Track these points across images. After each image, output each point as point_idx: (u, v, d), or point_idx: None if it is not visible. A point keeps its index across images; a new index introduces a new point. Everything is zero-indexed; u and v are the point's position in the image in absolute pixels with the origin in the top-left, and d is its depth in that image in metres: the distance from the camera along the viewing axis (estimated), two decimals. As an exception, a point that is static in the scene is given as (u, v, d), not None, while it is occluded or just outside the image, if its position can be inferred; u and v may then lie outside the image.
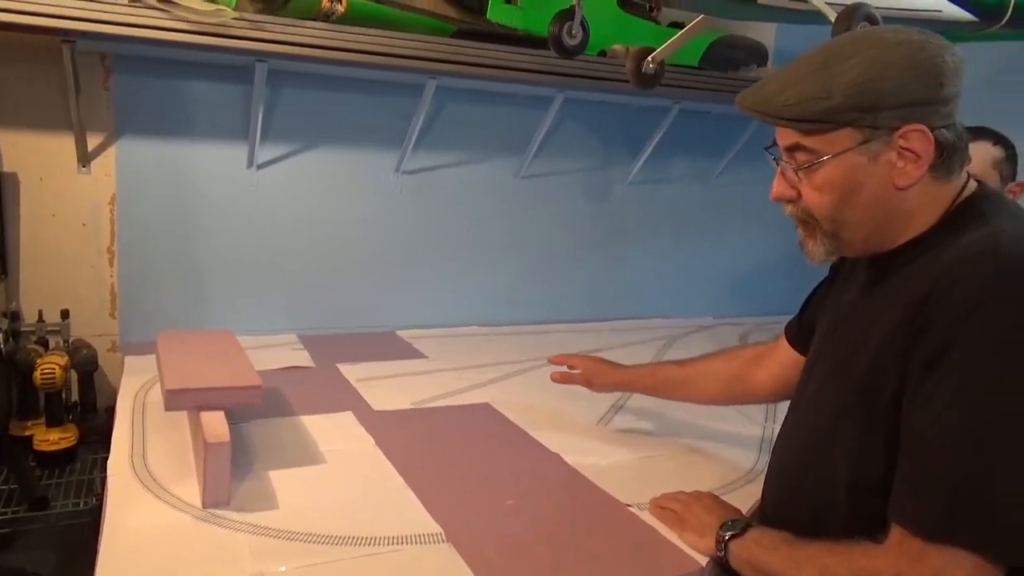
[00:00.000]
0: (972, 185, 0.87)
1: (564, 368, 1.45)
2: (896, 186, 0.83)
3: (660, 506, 1.13)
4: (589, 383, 1.43)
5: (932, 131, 0.81)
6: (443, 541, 1.02)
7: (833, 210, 0.86)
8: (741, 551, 0.94)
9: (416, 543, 1.01)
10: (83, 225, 1.86)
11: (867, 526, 0.82)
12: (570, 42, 1.23)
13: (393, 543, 1.01)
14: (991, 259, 0.75)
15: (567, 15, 1.22)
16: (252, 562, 0.94)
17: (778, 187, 0.91)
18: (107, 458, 1.59)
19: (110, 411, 1.80)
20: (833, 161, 0.84)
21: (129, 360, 1.73)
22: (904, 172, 0.82)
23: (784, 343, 1.18)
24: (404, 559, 0.98)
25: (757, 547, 0.92)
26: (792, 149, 0.87)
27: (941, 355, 0.74)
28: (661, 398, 1.42)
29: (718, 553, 0.97)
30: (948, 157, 0.83)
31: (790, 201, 0.90)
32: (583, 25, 1.22)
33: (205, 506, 1.07)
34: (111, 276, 1.89)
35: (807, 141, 0.85)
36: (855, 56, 0.82)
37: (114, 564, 0.93)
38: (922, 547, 0.74)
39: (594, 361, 1.45)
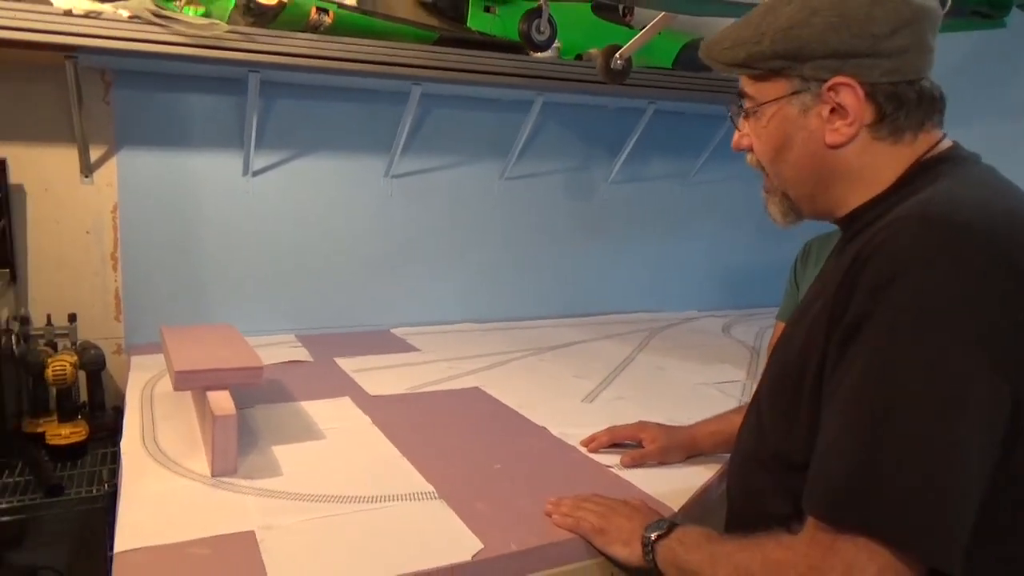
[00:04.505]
0: (945, 145, 0.79)
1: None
2: (827, 143, 0.78)
3: (565, 513, 1.02)
4: (664, 456, 1.26)
5: (866, 86, 0.75)
6: (435, 498, 1.10)
7: (771, 163, 0.84)
8: (666, 552, 0.87)
9: (410, 500, 1.09)
10: (87, 233, 1.94)
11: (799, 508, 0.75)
12: (538, 37, 1.33)
13: (389, 500, 1.09)
14: (916, 223, 0.67)
15: (535, 13, 1.32)
16: (260, 517, 1.02)
17: (736, 135, 0.89)
18: (116, 452, 1.68)
19: (117, 410, 1.88)
20: (769, 110, 0.81)
21: (135, 359, 1.82)
22: (835, 129, 0.77)
23: None
24: (399, 512, 1.06)
25: (680, 546, 0.86)
26: (741, 95, 0.86)
27: (855, 330, 0.68)
28: None
29: (646, 557, 0.89)
30: (893, 116, 0.76)
31: (748, 150, 0.88)
32: (550, 22, 1.32)
33: (214, 475, 1.15)
34: (115, 281, 1.98)
35: (749, 88, 0.84)
36: (795, 2, 0.77)
37: (133, 523, 1.01)
38: (833, 537, 0.66)
39: (657, 431, 1.28)
